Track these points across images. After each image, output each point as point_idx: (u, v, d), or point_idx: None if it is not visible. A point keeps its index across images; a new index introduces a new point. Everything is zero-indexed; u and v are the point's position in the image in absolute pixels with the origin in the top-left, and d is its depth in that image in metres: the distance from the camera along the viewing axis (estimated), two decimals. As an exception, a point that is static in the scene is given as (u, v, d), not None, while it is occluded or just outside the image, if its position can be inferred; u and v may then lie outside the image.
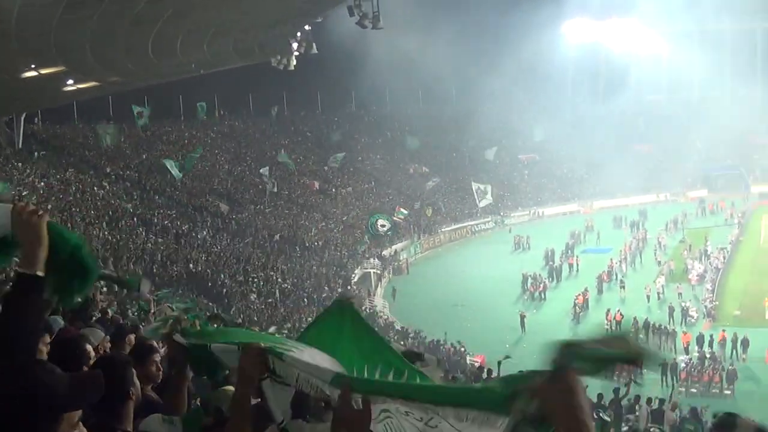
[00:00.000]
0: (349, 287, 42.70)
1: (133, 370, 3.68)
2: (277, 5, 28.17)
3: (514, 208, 63.18)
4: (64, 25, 20.86)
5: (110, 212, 40.34)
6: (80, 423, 2.59)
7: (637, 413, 19.61)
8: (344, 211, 55.81)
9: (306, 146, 64.71)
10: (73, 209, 38.44)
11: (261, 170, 52.03)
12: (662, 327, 33.88)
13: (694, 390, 28.43)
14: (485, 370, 23.05)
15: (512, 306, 39.76)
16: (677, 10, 68.68)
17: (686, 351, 31.70)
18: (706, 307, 36.77)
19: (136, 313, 16.46)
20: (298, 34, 32.11)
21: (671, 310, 36.08)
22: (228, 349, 2.93)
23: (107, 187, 44.13)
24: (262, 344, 2.75)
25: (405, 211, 53.63)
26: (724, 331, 32.15)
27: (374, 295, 44.27)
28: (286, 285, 40.03)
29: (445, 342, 33.32)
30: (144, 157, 50.93)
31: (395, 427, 2.33)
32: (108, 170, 47.06)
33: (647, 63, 75.25)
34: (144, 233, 40.04)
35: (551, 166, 68.20)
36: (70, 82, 31.54)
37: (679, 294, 38.50)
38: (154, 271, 35.50)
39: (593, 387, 23.29)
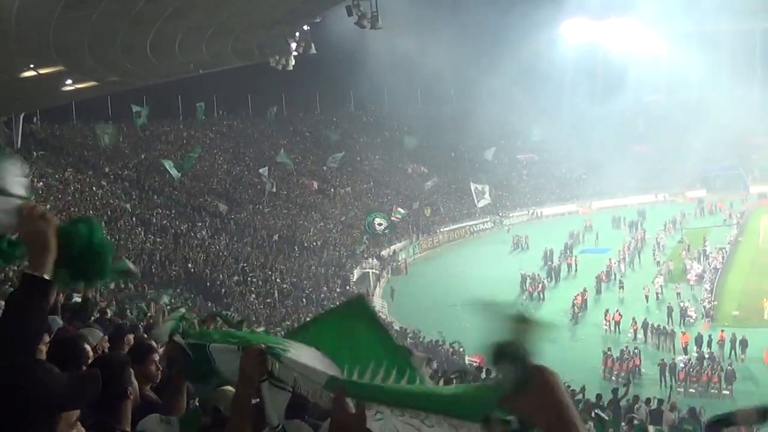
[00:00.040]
0: (347, 287, 42.72)
1: (131, 370, 3.68)
2: (276, 5, 28.16)
3: (512, 209, 63.19)
4: (63, 25, 20.85)
5: (109, 212, 40.31)
6: (78, 422, 2.59)
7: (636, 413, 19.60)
8: (343, 211, 55.82)
9: (305, 146, 64.71)
10: (72, 209, 38.40)
11: (260, 170, 52.02)
12: (661, 327, 33.95)
13: (692, 390, 28.43)
14: (484, 370, 23.02)
15: (511, 306, 39.69)
16: (676, 11, 68.77)
17: (685, 351, 31.70)
18: (704, 307, 36.76)
19: (135, 314, 16.46)
20: (297, 34, 32.07)
21: (670, 310, 36.11)
22: (228, 350, 2.92)
23: (106, 187, 44.11)
24: (263, 345, 2.75)
25: (403, 211, 53.63)
26: (723, 331, 32.17)
27: (373, 295, 44.25)
28: (284, 285, 40.03)
29: (444, 342, 33.32)
30: (143, 157, 50.92)
31: (389, 429, 2.33)
32: (107, 170, 47.04)
33: (646, 63, 75.28)
34: (143, 233, 40.03)
35: (550, 166, 68.27)
36: (69, 81, 31.52)
37: (678, 294, 38.52)
38: (153, 271, 35.51)
39: (593, 387, 23.30)
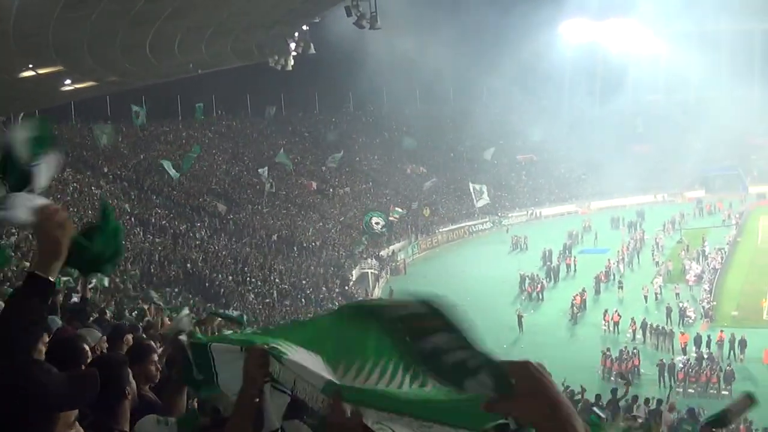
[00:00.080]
0: (346, 287, 42.72)
1: (129, 370, 3.68)
2: (275, 5, 28.15)
3: (511, 209, 63.19)
4: (62, 25, 20.82)
5: (108, 212, 40.26)
6: (77, 422, 2.59)
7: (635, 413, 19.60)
8: (342, 211, 55.81)
9: (303, 146, 64.71)
10: (71, 209, 38.38)
11: (259, 170, 52.04)
12: (660, 327, 33.95)
13: (691, 390, 28.46)
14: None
15: (510, 306, 39.74)
16: (675, 11, 68.79)
17: (684, 351, 31.71)
18: (703, 307, 36.77)
19: (134, 314, 16.45)
20: (296, 34, 32.07)
21: (669, 310, 36.08)
22: (229, 350, 2.91)
23: (105, 187, 44.10)
24: (266, 346, 2.73)
25: (401, 210, 53.63)
26: (722, 331, 32.18)
27: (372, 295, 44.22)
28: (283, 285, 40.02)
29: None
30: (141, 157, 50.92)
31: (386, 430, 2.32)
32: (105, 170, 47.04)
33: (645, 63, 75.35)
34: (141, 233, 40.02)
35: (549, 167, 68.25)
36: (68, 81, 31.48)
37: (677, 294, 38.53)
38: (152, 271, 35.51)
39: (592, 387, 23.29)
